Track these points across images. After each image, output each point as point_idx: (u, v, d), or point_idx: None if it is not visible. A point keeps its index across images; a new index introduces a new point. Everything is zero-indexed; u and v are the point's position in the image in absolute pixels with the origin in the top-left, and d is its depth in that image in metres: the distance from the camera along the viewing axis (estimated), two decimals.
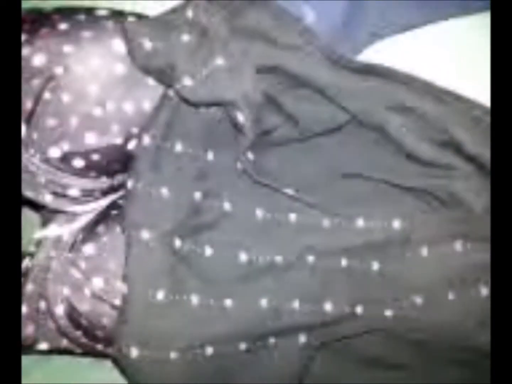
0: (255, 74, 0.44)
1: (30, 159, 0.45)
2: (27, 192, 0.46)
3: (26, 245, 0.52)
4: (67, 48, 0.44)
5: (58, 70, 0.44)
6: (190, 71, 0.43)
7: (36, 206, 0.52)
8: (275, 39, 0.44)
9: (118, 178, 0.50)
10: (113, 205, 0.52)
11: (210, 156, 0.49)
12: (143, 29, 0.44)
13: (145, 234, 0.45)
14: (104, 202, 0.51)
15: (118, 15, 0.47)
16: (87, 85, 0.44)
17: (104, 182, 0.49)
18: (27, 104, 0.44)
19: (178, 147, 0.48)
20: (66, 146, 0.45)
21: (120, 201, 0.51)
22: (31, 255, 0.52)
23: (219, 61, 0.43)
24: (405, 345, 0.49)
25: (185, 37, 0.43)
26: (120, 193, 0.51)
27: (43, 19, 0.47)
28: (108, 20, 0.46)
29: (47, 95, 0.43)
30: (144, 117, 0.47)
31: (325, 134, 0.49)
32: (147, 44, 0.43)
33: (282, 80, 0.45)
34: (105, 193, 0.50)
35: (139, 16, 0.48)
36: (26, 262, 0.52)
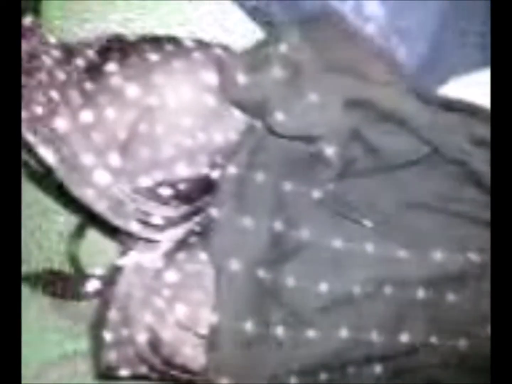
0: (343, 109, 0.44)
1: (121, 188, 0.45)
2: (116, 221, 0.46)
3: (102, 270, 0.53)
4: (159, 79, 0.44)
5: (152, 101, 0.44)
6: (283, 106, 0.43)
7: (114, 232, 0.52)
8: (365, 73, 0.44)
9: (197, 205, 0.50)
10: (190, 232, 0.52)
11: (288, 185, 0.50)
12: (236, 63, 0.44)
13: (234, 264, 0.45)
14: (182, 228, 0.51)
15: (204, 45, 0.48)
16: (180, 117, 0.44)
17: (184, 209, 0.49)
18: (121, 134, 0.44)
19: (260, 176, 0.48)
20: (157, 176, 0.45)
21: (197, 228, 0.52)
22: (103, 278, 0.52)
23: (312, 97, 0.44)
24: (477, 374, 0.49)
25: (278, 72, 0.44)
26: (197, 219, 0.52)
27: (131, 49, 0.47)
28: (196, 51, 0.46)
29: (141, 126, 0.44)
30: (229, 147, 0.47)
31: (405, 166, 0.49)
32: (241, 79, 0.44)
33: (367, 113, 0.46)
34: (183, 219, 0.51)
35: (225, 47, 0.48)
36: (96, 284, 0.52)
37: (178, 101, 0.44)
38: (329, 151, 0.44)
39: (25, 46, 0.47)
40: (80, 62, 0.47)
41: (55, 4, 0.56)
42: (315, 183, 0.48)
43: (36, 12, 0.57)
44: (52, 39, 0.50)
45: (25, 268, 0.61)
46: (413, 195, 0.50)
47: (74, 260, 0.61)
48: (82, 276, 0.59)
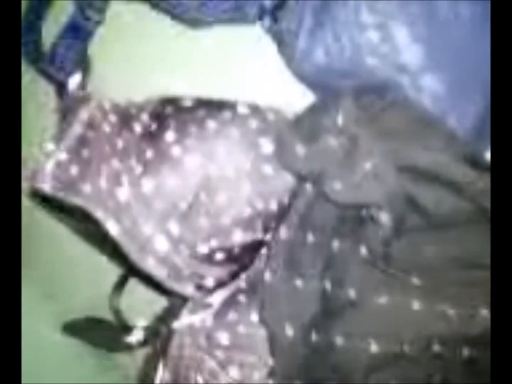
0: (397, 175, 0.45)
1: (179, 255, 0.46)
2: (174, 286, 0.47)
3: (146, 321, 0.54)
4: (218, 149, 0.46)
5: (212, 171, 0.45)
6: (340, 176, 0.44)
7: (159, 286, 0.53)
8: (418, 139, 0.46)
9: (245, 263, 0.51)
10: (238, 289, 0.53)
11: (336, 244, 0.50)
12: (293, 133, 0.45)
13: (288, 330, 0.46)
14: (230, 287, 0.52)
15: (258, 111, 0.49)
16: (239, 186, 0.45)
17: (233, 267, 0.50)
18: (181, 203, 0.45)
19: (310, 237, 0.49)
20: (214, 243, 0.46)
21: (244, 285, 0.53)
22: (148, 329, 0.53)
23: (367, 166, 0.45)
24: None
25: (335, 142, 0.45)
26: (244, 276, 0.53)
27: (188, 116, 0.48)
28: (252, 118, 0.48)
29: (202, 196, 0.45)
30: (282, 211, 0.48)
31: (454, 226, 0.50)
32: (299, 149, 0.45)
33: (418, 176, 0.47)
34: (232, 278, 0.52)
35: (277, 112, 0.49)
36: (140, 335, 0.53)
37: (237, 170, 0.45)
38: (383, 217, 0.45)
39: (84, 115, 0.48)
40: (137, 128, 0.48)
41: None
42: (363, 240, 0.49)
43: (86, 69, 0.58)
44: (107, 103, 0.51)
45: (70, 316, 0.62)
46: (460, 253, 0.51)
47: (116, 311, 0.62)
48: (125, 326, 0.59)
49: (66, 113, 0.49)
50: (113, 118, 0.50)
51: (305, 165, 0.45)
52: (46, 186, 0.43)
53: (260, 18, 0.51)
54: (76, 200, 0.43)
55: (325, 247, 0.50)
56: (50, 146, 0.45)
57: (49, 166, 0.43)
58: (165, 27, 0.55)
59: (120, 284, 0.62)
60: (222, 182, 0.45)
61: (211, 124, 0.46)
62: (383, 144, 0.45)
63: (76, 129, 0.46)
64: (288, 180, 0.47)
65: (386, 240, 0.47)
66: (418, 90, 0.43)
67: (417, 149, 0.46)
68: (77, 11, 0.57)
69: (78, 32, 0.58)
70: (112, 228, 0.44)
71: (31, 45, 0.58)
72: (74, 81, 0.59)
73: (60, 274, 0.66)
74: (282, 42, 0.49)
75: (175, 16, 0.52)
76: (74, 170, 0.44)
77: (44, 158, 0.44)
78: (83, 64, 0.59)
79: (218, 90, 0.53)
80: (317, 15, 0.47)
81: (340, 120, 0.45)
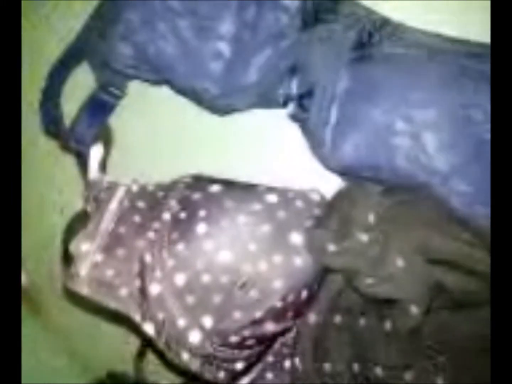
0: (427, 268, 0.46)
1: (211, 345, 0.47)
2: (206, 374, 0.48)
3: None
4: (251, 246, 0.46)
5: (245, 267, 0.46)
6: (371, 271, 0.46)
7: None
8: (446, 233, 0.47)
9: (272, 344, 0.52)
10: (264, 368, 0.54)
11: (362, 322, 0.52)
12: (325, 230, 0.46)
13: None
14: (258, 366, 0.53)
15: (286, 199, 0.50)
16: (271, 281, 0.46)
17: (262, 349, 0.51)
18: (215, 298, 0.46)
19: (338, 319, 0.51)
20: (246, 333, 0.47)
21: (270, 363, 0.54)
22: None
23: (398, 262, 0.46)
24: None
25: (365, 238, 0.46)
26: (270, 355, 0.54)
27: (217, 206, 0.49)
28: (281, 209, 0.48)
29: (236, 292, 0.46)
30: (312, 298, 0.49)
31: (478, 306, 0.52)
32: (330, 246, 0.46)
33: (446, 266, 0.48)
34: (259, 358, 0.53)
35: (305, 199, 0.50)
36: None
37: (269, 266, 0.46)
38: (413, 309, 0.46)
39: (113, 206, 0.48)
40: (166, 215, 0.49)
41: None
42: (389, 317, 0.51)
43: (107, 142, 0.58)
44: (134, 187, 0.51)
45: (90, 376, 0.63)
46: (486, 330, 0.53)
47: (138, 370, 0.62)
48: None
49: (96, 204, 0.49)
50: (141, 204, 0.51)
51: (336, 261, 0.46)
52: (84, 290, 0.43)
53: (285, 104, 0.52)
54: (113, 304, 0.44)
55: (352, 326, 0.51)
56: (84, 246, 0.45)
57: (85, 268, 0.44)
58: (188, 105, 0.55)
59: (141, 352, 0.62)
60: (255, 278, 0.46)
61: (242, 219, 0.47)
62: (413, 239, 0.46)
63: (108, 224, 0.47)
64: (318, 269, 0.48)
65: (414, 327, 0.48)
66: (447, 190, 0.44)
67: (445, 242, 0.47)
68: (98, 87, 0.57)
69: (99, 107, 0.58)
70: (149, 329, 0.44)
71: (51, 120, 0.58)
72: (95, 154, 0.59)
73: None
74: (308, 132, 0.50)
75: (200, 104, 0.52)
76: (110, 272, 0.45)
77: (80, 259, 0.44)
78: (105, 137, 0.59)
79: (243, 170, 0.53)
80: (345, 110, 0.48)
81: (371, 217, 0.46)
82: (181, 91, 0.52)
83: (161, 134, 0.57)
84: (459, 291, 0.50)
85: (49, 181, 0.61)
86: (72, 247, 0.53)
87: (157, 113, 0.57)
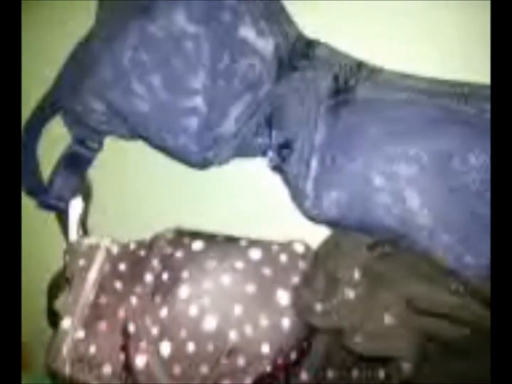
0: (418, 320, 0.45)
1: None
2: None
3: None
4: (237, 310, 0.45)
5: (231, 334, 0.45)
6: (360, 329, 0.44)
7: None
8: (435, 284, 0.46)
9: None
10: None
11: (355, 373, 0.51)
12: (311, 290, 0.45)
13: None
14: None
15: (270, 255, 0.48)
16: (259, 346, 0.45)
17: None
18: (202, 368, 0.45)
19: (330, 373, 0.50)
20: None
21: None
22: None
23: (387, 319, 0.45)
24: None
25: (352, 294, 0.45)
26: None
27: (199, 266, 0.48)
28: (265, 266, 0.47)
29: (223, 360, 0.44)
30: (303, 355, 0.48)
31: (470, 353, 0.51)
32: (318, 307, 0.45)
33: (437, 318, 0.47)
34: None
35: (290, 253, 0.49)
36: None
37: (256, 330, 0.45)
38: (405, 366, 0.45)
39: (92, 275, 0.47)
40: (148, 277, 0.48)
41: None
42: (381, 366, 0.50)
43: (86, 196, 0.57)
44: (115, 248, 0.50)
45: None
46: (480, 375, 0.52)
47: None
48: None
49: (76, 272, 0.48)
50: (123, 267, 0.49)
51: (323, 320, 0.45)
52: (66, 369, 0.42)
53: (264, 154, 0.50)
54: (96, 383, 0.42)
55: (345, 378, 0.50)
56: (66, 322, 0.44)
57: (67, 346, 0.43)
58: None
59: None
60: (242, 344, 0.44)
61: (225, 279, 0.45)
62: (400, 292, 0.45)
63: (88, 295, 0.46)
64: (306, 329, 0.46)
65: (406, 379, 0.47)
66: (434, 244, 0.43)
67: (434, 293, 0.46)
68: (73, 140, 0.56)
69: (75, 161, 0.56)
70: None
71: (28, 177, 0.57)
72: (75, 209, 0.58)
73: None
74: (289, 183, 0.49)
75: (176, 159, 0.51)
76: (92, 348, 0.43)
77: (61, 337, 0.43)
78: (84, 191, 0.58)
79: (224, 223, 0.52)
80: (325, 163, 0.46)
81: (357, 274, 0.45)
82: (157, 147, 0.51)
83: (139, 188, 0.55)
84: (451, 339, 0.49)
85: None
86: (57, 304, 0.52)
87: (135, 166, 0.55)
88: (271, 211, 0.53)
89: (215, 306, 0.45)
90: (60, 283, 0.54)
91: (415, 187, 0.43)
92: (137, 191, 0.56)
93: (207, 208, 0.53)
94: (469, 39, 0.49)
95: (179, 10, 0.46)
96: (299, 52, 0.49)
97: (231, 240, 0.49)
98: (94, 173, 0.57)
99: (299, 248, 0.49)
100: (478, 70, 0.47)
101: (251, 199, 0.53)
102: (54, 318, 0.52)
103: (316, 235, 0.50)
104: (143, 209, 0.56)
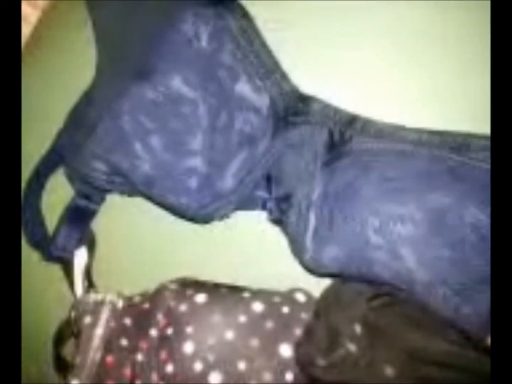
0: (417, 371, 0.46)
1: None
2: None
3: None
4: (241, 366, 0.46)
5: None
6: (361, 382, 0.45)
7: None
8: (433, 334, 0.47)
9: None
10: None
11: None
12: (313, 345, 0.46)
13: None
14: None
15: (273, 307, 0.49)
16: None
17: None
18: None
19: None
20: None
21: None
22: None
23: (388, 371, 0.46)
24: None
25: (353, 348, 0.46)
26: None
27: (204, 321, 0.49)
28: (268, 319, 0.48)
29: None
30: None
31: None
32: (321, 362, 0.46)
33: (435, 367, 0.48)
34: None
35: (292, 303, 0.50)
36: None
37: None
38: None
39: (99, 331, 0.48)
40: (153, 332, 0.49)
41: None
42: None
43: (91, 246, 0.58)
44: (120, 303, 0.51)
45: None
46: None
47: None
48: None
49: (82, 330, 0.49)
50: (128, 321, 0.50)
51: (326, 374, 0.46)
52: None
53: (264, 207, 0.52)
54: None
55: None
56: (74, 381, 0.45)
57: None
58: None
59: None
60: None
61: (230, 335, 0.46)
62: (400, 344, 0.46)
63: (95, 354, 0.47)
64: (309, 382, 0.47)
65: None
66: (431, 297, 0.44)
67: (434, 343, 0.47)
68: (76, 194, 0.57)
69: (79, 214, 0.57)
70: None
71: (33, 230, 0.58)
72: (80, 260, 0.59)
73: None
74: (289, 237, 0.50)
75: (177, 216, 0.52)
76: None
77: None
78: (88, 242, 0.59)
79: (226, 272, 0.53)
80: (323, 218, 0.47)
81: (358, 328, 0.46)
82: (158, 204, 0.52)
83: (143, 241, 0.56)
84: None
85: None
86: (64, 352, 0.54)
87: (138, 219, 0.56)
88: (272, 260, 0.54)
89: (220, 361, 0.46)
90: (66, 332, 0.56)
91: (410, 245, 0.44)
92: (141, 239, 0.57)
93: (209, 261, 0.54)
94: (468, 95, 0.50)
95: (176, 75, 0.47)
96: (294, 108, 0.50)
97: (234, 291, 0.50)
98: (97, 221, 0.58)
99: (300, 298, 0.50)
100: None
101: (249, 246, 0.54)
102: (59, 362, 0.53)
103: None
104: (147, 257, 0.57)
